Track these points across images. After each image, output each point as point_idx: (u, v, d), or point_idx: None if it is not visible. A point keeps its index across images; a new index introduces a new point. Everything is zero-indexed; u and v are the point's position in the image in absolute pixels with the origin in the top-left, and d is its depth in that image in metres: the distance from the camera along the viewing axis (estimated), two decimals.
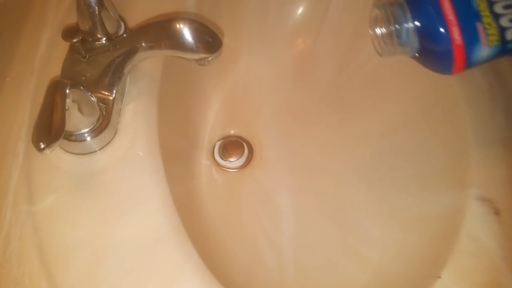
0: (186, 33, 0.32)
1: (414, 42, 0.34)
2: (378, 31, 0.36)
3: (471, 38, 0.32)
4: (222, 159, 0.51)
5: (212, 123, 0.53)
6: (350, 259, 0.45)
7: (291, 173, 0.52)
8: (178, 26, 0.33)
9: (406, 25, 0.34)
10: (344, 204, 0.49)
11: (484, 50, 0.33)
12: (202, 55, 0.34)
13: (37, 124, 0.29)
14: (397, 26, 0.34)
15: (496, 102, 0.42)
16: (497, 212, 0.37)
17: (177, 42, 0.33)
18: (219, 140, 0.52)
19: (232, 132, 0.54)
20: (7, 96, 0.38)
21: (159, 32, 0.34)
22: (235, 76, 0.56)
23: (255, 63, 0.57)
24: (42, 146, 0.28)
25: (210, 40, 0.33)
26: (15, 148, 0.35)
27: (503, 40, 0.32)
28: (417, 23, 0.33)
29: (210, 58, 0.34)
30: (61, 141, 0.29)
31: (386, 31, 0.35)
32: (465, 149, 0.40)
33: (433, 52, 0.35)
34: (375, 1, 0.38)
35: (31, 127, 0.29)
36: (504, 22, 0.32)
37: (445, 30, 0.32)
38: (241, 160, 0.51)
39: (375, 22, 0.36)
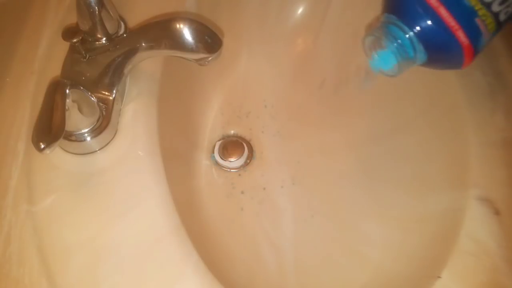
0: (186, 33, 0.32)
1: (421, 53, 0.36)
2: (376, 55, 0.37)
3: (475, 35, 0.34)
4: (222, 159, 0.51)
5: (212, 123, 0.53)
6: (350, 259, 0.45)
7: (291, 173, 0.52)
8: (178, 26, 0.33)
9: (406, 36, 0.35)
10: (344, 204, 0.49)
11: (486, 38, 0.34)
12: (202, 55, 0.33)
13: (37, 124, 0.29)
14: (399, 41, 0.35)
15: (496, 102, 0.42)
16: (497, 212, 0.37)
17: (177, 42, 0.33)
18: (219, 140, 0.52)
19: (232, 132, 0.54)
20: (7, 96, 0.38)
21: (159, 32, 0.34)
22: (235, 76, 0.56)
23: (255, 63, 0.57)
24: (42, 146, 0.28)
25: (210, 40, 0.33)
26: (15, 148, 0.35)
27: (498, 23, 0.34)
28: (418, 32, 0.35)
29: (210, 58, 0.34)
30: (61, 141, 0.29)
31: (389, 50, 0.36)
32: (465, 149, 0.40)
33: (442, 57, 0.36)
34: (366, 31, 0.39)
35: (31, 127, 0.29)
36: (495, 7, 0.34)
37: (452, 37, 0.33)
38: (241, 160, 0.51)
39: (373, 49, 0.38)
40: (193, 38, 0.33)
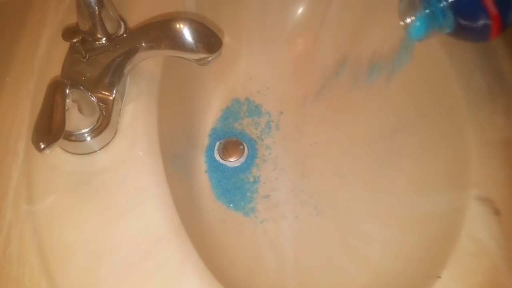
0: (186, 33, 0.32)
1: (450, 21, 0.36)
2: (409, 20, 0.37)
3: (505, 7, 0.34)
4: (222, 159, 0.51)
5: (212, 123, 0.53)
6: (350, 259, 0.45)
7: (291, 173, 0.52)
8: (178, 26, 0.33)
9: (440, 5, 0.35)
10: (344, 203, 0.49)
11: None
12: (202, 55, 0.33)
13: (37, 124, 0.29)
14: (432, 9, 0.36)
15: (496, 102, 0.42)
16: (497, 212, 0.37)
17: (177, 42, 0.33)
18: (219, 140, 0.52)
19: (232, 132, 0.54)
20: (7, 96, 0.38)
21: (159, 32, 0.34)
22: (235, 76, 0.56)
23: (255, 63, 0.57)
24: (42, 146, 0.28)
25: (210, 40, 0.33)
26: (15, 148, 0.35)
27: None
28: (451, 1, 0.35)
29: (210, 58, 0.34)
30: (61, 141, 0.29)
31: (420, 16, 0.36)
32: (465, 149, 0.40)
33: (470, 27, 0.36)
34: None
35: (31, 127, 0.29)
36: None
37: (480, 7, 0.34)
38: (241, 160, 0.51)
39: (406, 13, 0.38)
40: (193, 38, 0.33)
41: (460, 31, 0.37)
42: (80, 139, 0.35)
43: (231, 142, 0.52)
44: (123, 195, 0.34)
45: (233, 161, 0.51)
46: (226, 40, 0.35)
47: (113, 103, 0.36)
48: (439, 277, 0.34)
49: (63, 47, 0.36)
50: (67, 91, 0.31)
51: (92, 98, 0.35)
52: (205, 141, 0.52)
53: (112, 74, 0.36)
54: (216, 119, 0.54)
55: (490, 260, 0.35)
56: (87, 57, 0.36)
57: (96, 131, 0.35)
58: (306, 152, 0.53)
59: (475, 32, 0.37)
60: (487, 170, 0.39)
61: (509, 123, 0.40)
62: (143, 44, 0.34)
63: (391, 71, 0.45)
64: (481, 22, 0.35)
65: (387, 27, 0.50)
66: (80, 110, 0.34)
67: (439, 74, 0.45)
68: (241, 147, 0.51)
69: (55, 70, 0.37)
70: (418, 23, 0.37)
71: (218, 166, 0.51)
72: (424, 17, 0.37)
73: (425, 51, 0.46)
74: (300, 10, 0.56)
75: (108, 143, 0.36)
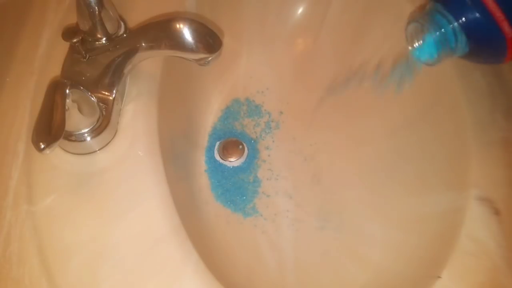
0: (186, 33, 0.32)
1: (463, 43, 0.35)
2: (417, 44, 0.37)
3: None
4: (222, 159, 0.51)
5: (212, 123, 0.53)
6: (350, 258, 0.45)
7: (291, 173, 0.52)
8: (178, 26, 0.33)
9: (450, 26, 0.34)
10: (344, 203, 0.49)
11: None
12: (202, 55, 0.34)
13: (37, 124, 0.29)
14: (443, 30, 0.35)
15: (496, 102, 0.42)
16: (497, 212, 0.37)
17: (177, 42, 0.33)
18: (219, 140, 0.52)
19: (232, 131, 0.54)
20: (7, 96, 0.38)
21: (159, 32, 0.34)
22: (235, 76, 0.56)
23: (255, 63, 0.57)
24: (42, 146, 0.28)
25: (210, 40, 0.33)
26: (15, 148, 0.35)
27: None
28: (462, 22, 0.34)
29: (210, 58, 0.34)
30: (61, 141, 0.29)
31: (430, 39, 0.36)
32: (465, 149, 0.40)
33: (485, 49, 0.35)
34: (409, 18, 0.38)
35: (31, 127, 0.29)
36: None
37: (496, 28, 0.33)
38: (241, 160, 0.51)
39: (415, 37, 0.37)
40: (193, 38, 0.33)
41: (474, 54, 0.36)
42: (80, 139, 0.35)
43: (231, 142, 0.52)
44: (123, 195, 0.34)
45: (233, 161, 0.51)
46: (226, 40, 0.35)
47: (113, 103, 0.36)
48: (439, 277, 0.34)
49: (63, 47, 0.36)
50: (67, 91, 0.31)
51: (92, 98, 0.35)
52: (205, 141, 0.52)
53: (112, 74, 0.36)
54: (216, 119, 0.54)
55: (490, 260, 0.35)
56: (87, 57, 0.36)
57: (96, 131, 0.35)
58: (306, 152, 0.53)
59: (490, 54, 0.36)
60: (487, 170, 0.39)
61: (509, 123, 0.40)
62: (143, 44, 0.34)
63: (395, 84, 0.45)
64: (496, 44, 0.34)
65: (387, 27, 0.50)
66: (80, 110, 0.34)
67: (439, 74, 0.45)
68: (241, 147, 0.51)
69: (55, 70, 0.37)
70: (427, 46, 0.36)
71: (218, 166, 0.51)
72: (435, 40, 0.35)
73: None
74: (300, 11, 0.56)
75: (108, 143, 0.36)
